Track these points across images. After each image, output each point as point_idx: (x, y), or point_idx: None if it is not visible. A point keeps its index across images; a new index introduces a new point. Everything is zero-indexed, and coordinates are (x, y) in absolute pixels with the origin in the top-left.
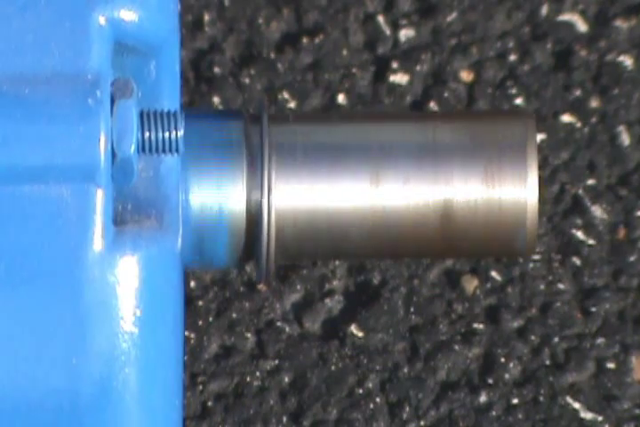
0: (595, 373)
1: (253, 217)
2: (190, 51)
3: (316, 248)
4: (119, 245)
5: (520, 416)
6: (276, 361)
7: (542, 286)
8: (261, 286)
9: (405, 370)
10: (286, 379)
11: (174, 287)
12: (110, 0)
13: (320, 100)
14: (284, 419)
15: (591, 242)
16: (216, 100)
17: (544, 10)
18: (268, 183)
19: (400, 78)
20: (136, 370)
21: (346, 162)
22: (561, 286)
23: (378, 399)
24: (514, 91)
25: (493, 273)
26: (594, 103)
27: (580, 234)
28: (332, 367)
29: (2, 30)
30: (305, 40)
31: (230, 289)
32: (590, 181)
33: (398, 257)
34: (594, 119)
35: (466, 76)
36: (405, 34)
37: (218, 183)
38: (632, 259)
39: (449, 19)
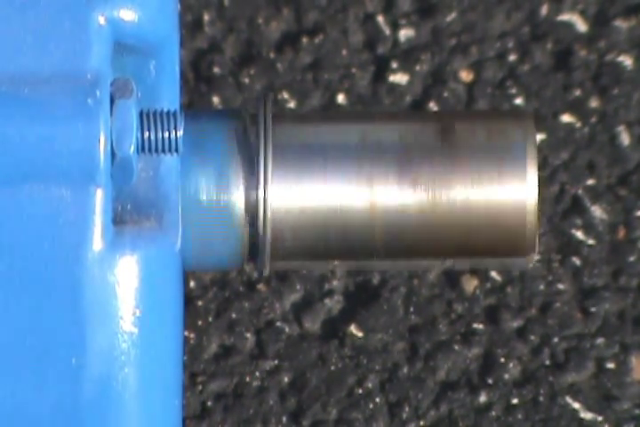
0: (594, 373)
1: (252, 217)
2: (190, 51)
3: (315, 248)
4: (119, 244)
5: (520, 416)
6: (276, 361)
7: (542, 286)
8: (261, 286)
9: (405, 370)
10: (286, 379)
11: (174, 287)
12: (110, 0)
13: (320, 100)
14: (284, 419)
15: (591, 242)
16: (216, 100)
17: (544, 10)
18: (266, 183)
19: (400, 78)
20: (136, 370)
21: (344, 162)
22: (561, 286)
23: (377, 399)
24: (514, 91)
25: (493, 273)
26: (594, 103)
27: (579, 234)
28: (332, 367)
29: (2, 30)
30: (305, 40)
31: (230, 289)
32: (590, 181)
33: (396, 257)
34: (594, 119)
35: (465, 76)
36: (405, 34)
37: (217, 183)
38: (632, 259)
39: (449, 19)
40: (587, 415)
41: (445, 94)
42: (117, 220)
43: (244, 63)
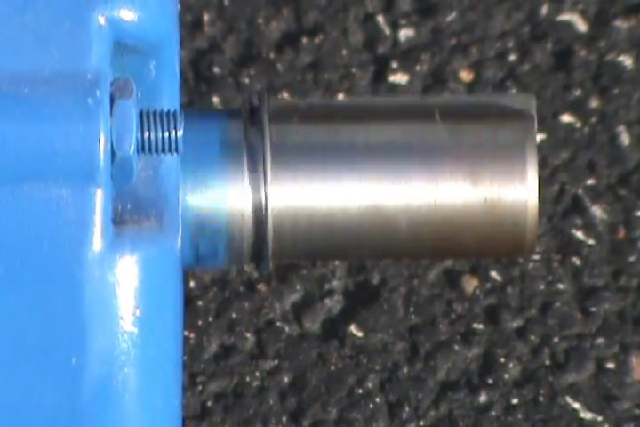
0: (594, 373)
1: (253, 217)
2: (190, 51)
3: (315, 248)
4: (118, 244)
5: (520, 416)
6: (276, 361)
7: (542, 286)
8: (261, 286)
9: (405, 370)
10: (286, 379)
11: (174, 287)
12: (110, 0)
13: None
14: (284, 419)
15: (591, 242)
16: (215, 100)
17: (544, 10)
18: (266, 183)
19: (400, 78)
20: (136, 370)
21: (345, 162)
22: (561, 285)
23: (377, 399)
24: (514, 91)
25: (493, 273)
26: (594, 103)
27: (579, 234)
28: (332, 367)
29: (1, 30)
30: (305, 40)
31: (230, 289)
32: (590, 181)
33: (397, 257)
34: (594, 119)
35: (466, 75)
36: (405, 34)
37: (217, 183)
38: (632, 259)
39: (449, 19)
40: (587, 415)
41: None
42: (117, 220)
43: (243, 63)
